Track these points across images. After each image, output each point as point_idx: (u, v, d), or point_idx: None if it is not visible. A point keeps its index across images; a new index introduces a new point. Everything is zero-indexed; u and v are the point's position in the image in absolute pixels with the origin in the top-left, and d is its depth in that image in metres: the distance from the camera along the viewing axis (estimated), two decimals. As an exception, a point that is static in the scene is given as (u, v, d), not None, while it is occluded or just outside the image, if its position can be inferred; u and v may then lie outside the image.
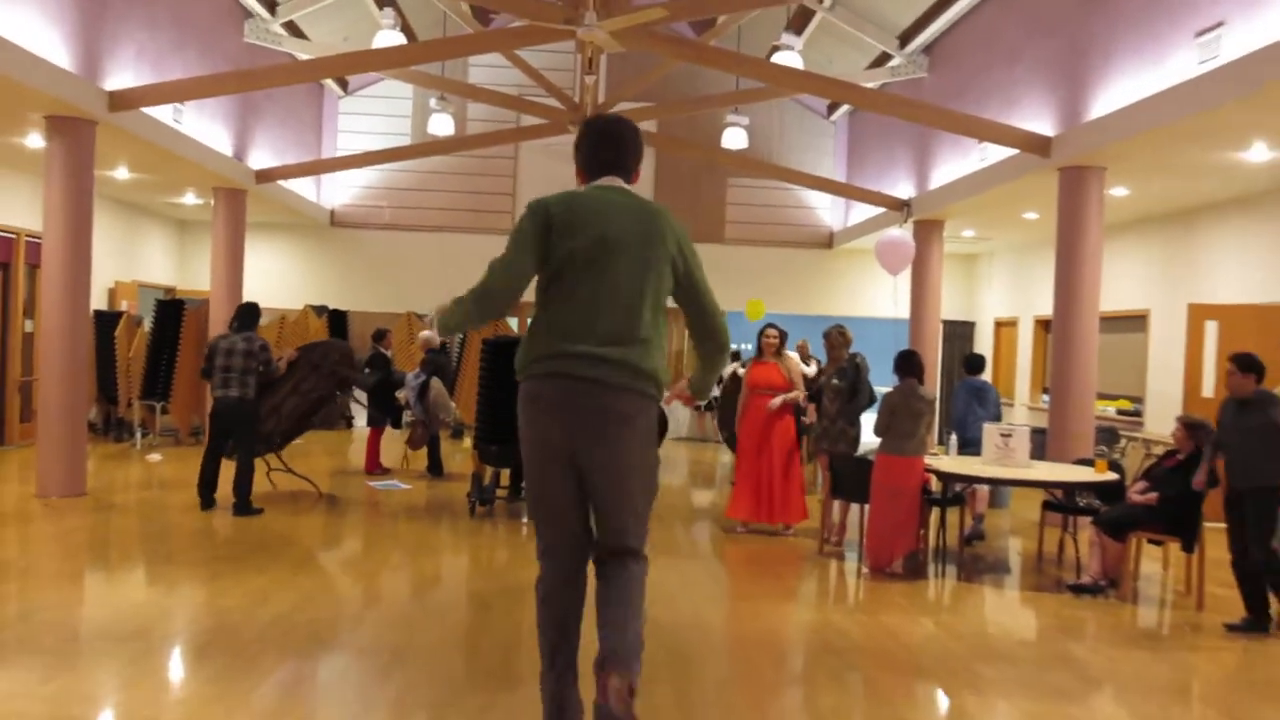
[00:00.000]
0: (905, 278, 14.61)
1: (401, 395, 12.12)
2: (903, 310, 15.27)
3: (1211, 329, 10.94)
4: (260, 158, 14.89)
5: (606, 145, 3.60)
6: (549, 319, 3.38)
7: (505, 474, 10.31)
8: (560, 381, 3.25)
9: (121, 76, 10.54)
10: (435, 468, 12.16)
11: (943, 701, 5.27)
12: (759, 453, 9.17)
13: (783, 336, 9.41)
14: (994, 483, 8.84)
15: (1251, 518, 6.69)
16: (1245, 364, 6.78)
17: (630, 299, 3.29)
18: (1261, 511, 6.68)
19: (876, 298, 18.68)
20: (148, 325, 14.68)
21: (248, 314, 9.75)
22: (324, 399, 10.58)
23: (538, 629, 3.58)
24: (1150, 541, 7.84)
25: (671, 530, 9.68)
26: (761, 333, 9.39)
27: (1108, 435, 12.68)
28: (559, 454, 3.34)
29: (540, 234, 3.39)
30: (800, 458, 9.52)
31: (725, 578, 8.09)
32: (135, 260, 16.94)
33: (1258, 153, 9.45)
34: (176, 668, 5.31)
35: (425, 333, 12.61)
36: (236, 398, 9.38)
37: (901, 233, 13.47)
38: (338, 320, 17.66)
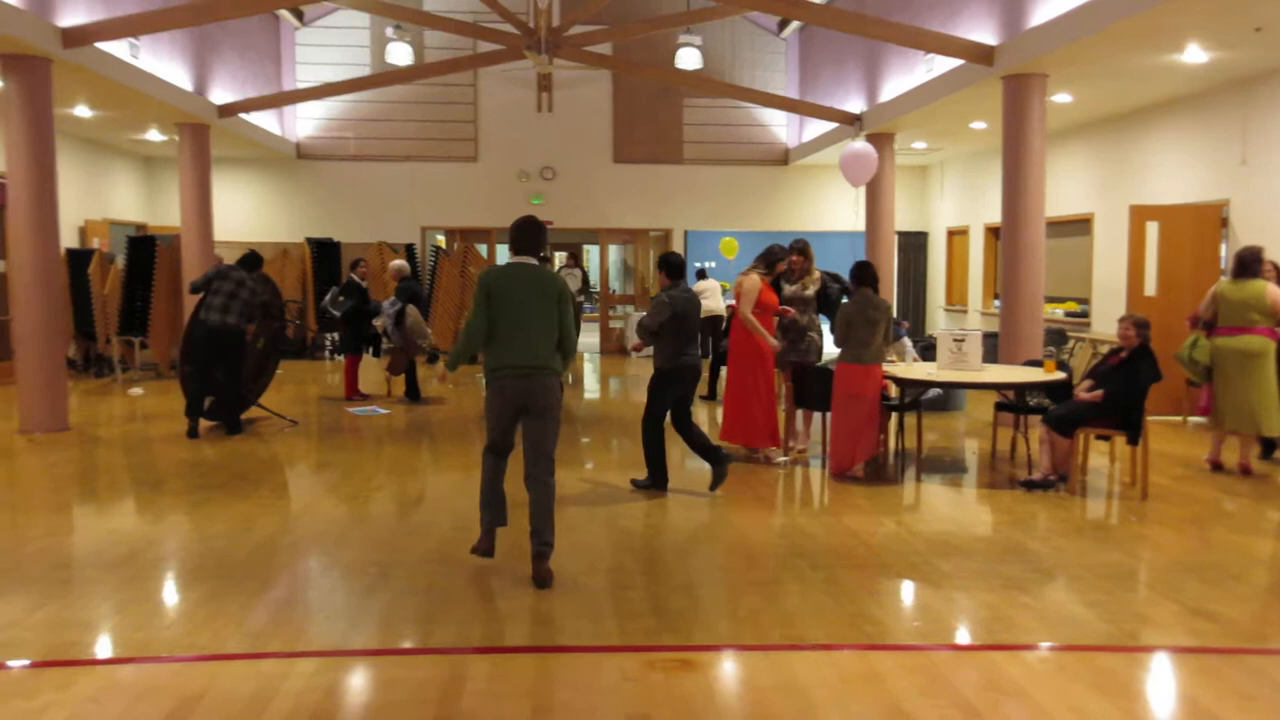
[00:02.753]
0: (862, 189, 14.54)
1: (379, 323, 12.00)
2: (860, 222, 15.21)
3: (1152, 229, 10.98)
4: (221, 93, 14.49)
5: (524, 239, 5.53)
6: (496, 346, 5.42)
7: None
8: (507, 380, 5.41)
9: (74, 12, 10.16)
10: (412, 392, 12.09)
11: (904, 595, 5.35)
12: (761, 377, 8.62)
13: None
14: (948, 386, 8.90)
15: (651, 390, 7.63)
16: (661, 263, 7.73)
17: (531, 331, 5.37)
18: (652, 386, 7.61)
19: (832, 211, 18.62)
20: (121, 262, 14.40)
21: (252, 259, 10.01)
22: (272, 335, 10.48)
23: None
24: (1097, 437, 7.95)
25: (639, 443, 9.68)
26: (785, 254, 8.74)
27: (1057, 336, 12.81)
28: (515, 408, 5.45)
29: (485, 301, 5.40)
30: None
31: (694, 487, 8.13)
32: (104, 198, 16.55)
33: (1192, 54, 9.39)
34: (166, 592, 5.29)
35: (396, 261, 12.45)
36: (233, 325, 9.50)
37: (864, 145, 13.36)
38: (327, 252, 17.31)
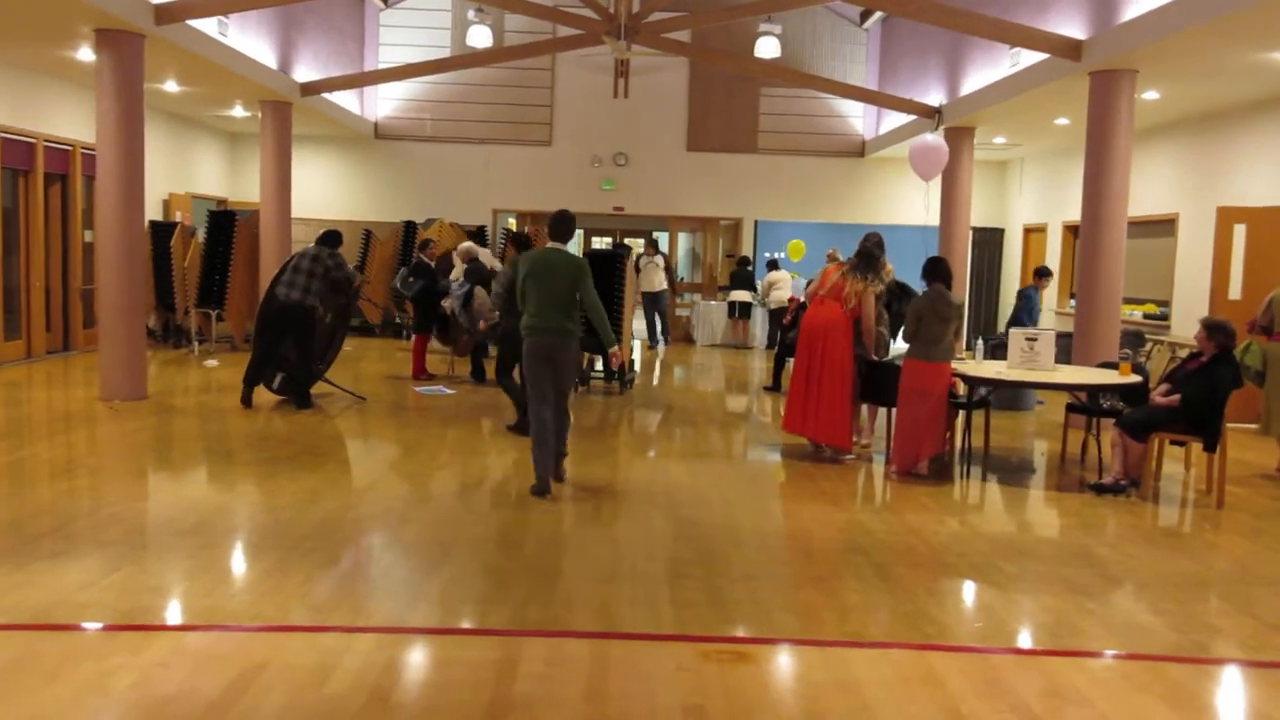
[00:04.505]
0: (936, 184, 14.31)
1: (447, 304, 12.09)
2: (933, 217, 14.99)
3: (1240, 232, 10.64)
4: (304, 71, 14.71)
5: (556, 229, 7.04)
6: (528, 312, 6.83)
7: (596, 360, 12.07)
8: (537, 337, 6.81)
9: (167, -10, 10.39)
10: (478, 373, 12.19)
11: (965, 596, 5.27)
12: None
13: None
14: (1019, 385, 8.73)
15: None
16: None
17: (556, 300, 6.77)
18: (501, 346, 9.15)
19: (907, 205, 18.34)
20: (201, 236, 14.72)
21: (329, 237, 10.14)
22: (339, 310, 10.59)
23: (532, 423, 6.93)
24: (1172, 442, 7.74)
25: (706, 434, 9.69)
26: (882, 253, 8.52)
27: (1134, 338, 12.50)
28: (542, 360, 6.82)
29: (525, 276, 6.86)
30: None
31: (756, 479, 8.09)
32: (188, 172, 16.93)
33: (1293, 54, 9.07)
34: (234, 561, 5.41)
35: (466, 243, 12.54)
36: (297, 301, 9.68)
37: (935, 138, 13.15)
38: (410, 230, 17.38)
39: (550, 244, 6.99)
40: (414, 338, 12.61)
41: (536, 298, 6.79)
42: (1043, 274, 12.25)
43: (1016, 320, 11.79)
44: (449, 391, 11.42)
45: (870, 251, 8.39)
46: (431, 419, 9.82)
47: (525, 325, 6.84)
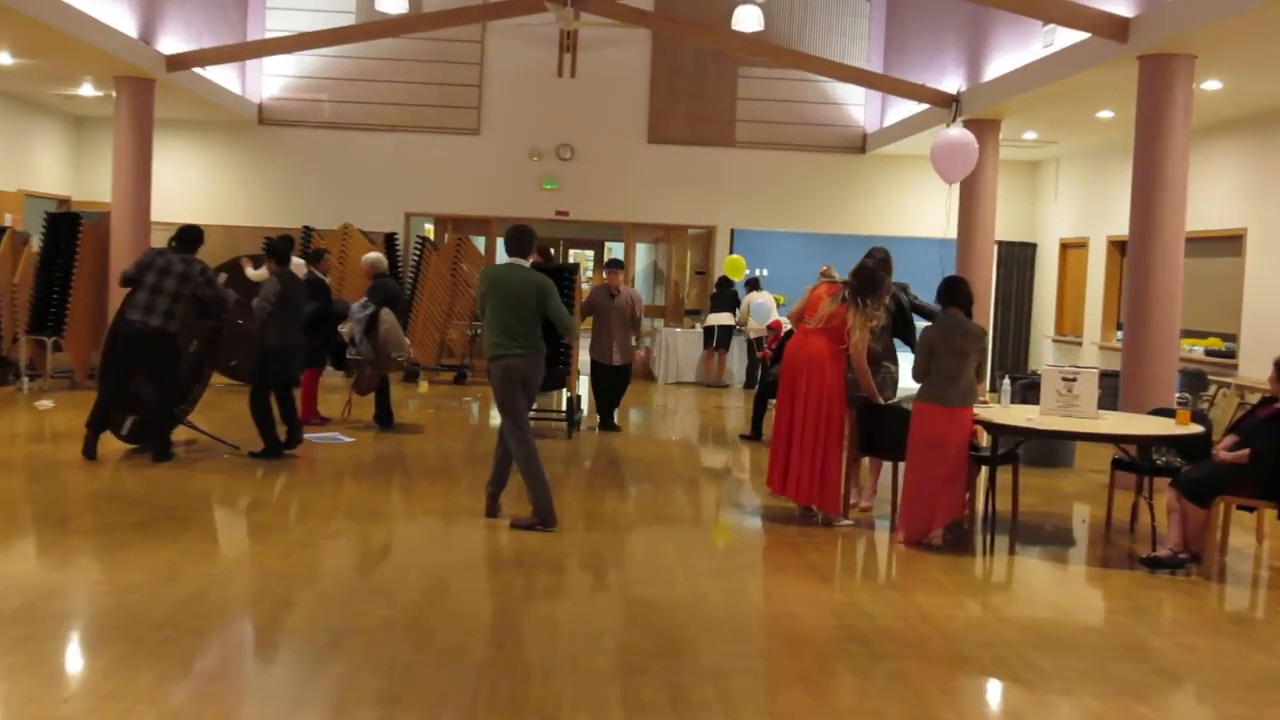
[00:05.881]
0: (956, 189, 14.47)
1: (345, 329, 12.00)
2: (952, 228, 15.13)
3: (1320, 253, 10.85)
4: (171, 41, 14.64)
5: (512, 244, 8.06)
6: (492, 332, 7.87)
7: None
8: (508, 361, 7.80)
9: (-3, -62, 10.33)
10: (384, 418, 12.10)
11: (988, 698, 5.27)
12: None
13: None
14: (1054, 436, 8.80)
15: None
16: None
17: (517, 319, 7.75)
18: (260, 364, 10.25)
19: (919, 213, 18.52)
20: (36, 244, 14.55)
21: (189, 237, 9.98)
22: (206, 336, 10.46)
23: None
24: (1241, 508, 7.82)
25: (668, 492, 9.66)
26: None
27: (1194, 380, 12.68)
28: (516, 384, 7.86)
29: (483, 294, 7.95)
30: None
31: (731, 549, 8.08)
32: (20, 165, 16.77)
33: (1382, 37, 9.30)
34: (68, 656, 5.31)
35: (371, 254, 12.49)
36: (158, 328, 9.50)
37: (961, 132, 13.29)
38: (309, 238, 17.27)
39: (509, 260, 8.00)
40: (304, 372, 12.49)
41: (498, 319, 7.76)
42: None
43: None
44: (346, 439, 11.33)
45: (872, 273, 8.29)
46: (324, 474, 9.73)
47: (492, 348, 7.83)
